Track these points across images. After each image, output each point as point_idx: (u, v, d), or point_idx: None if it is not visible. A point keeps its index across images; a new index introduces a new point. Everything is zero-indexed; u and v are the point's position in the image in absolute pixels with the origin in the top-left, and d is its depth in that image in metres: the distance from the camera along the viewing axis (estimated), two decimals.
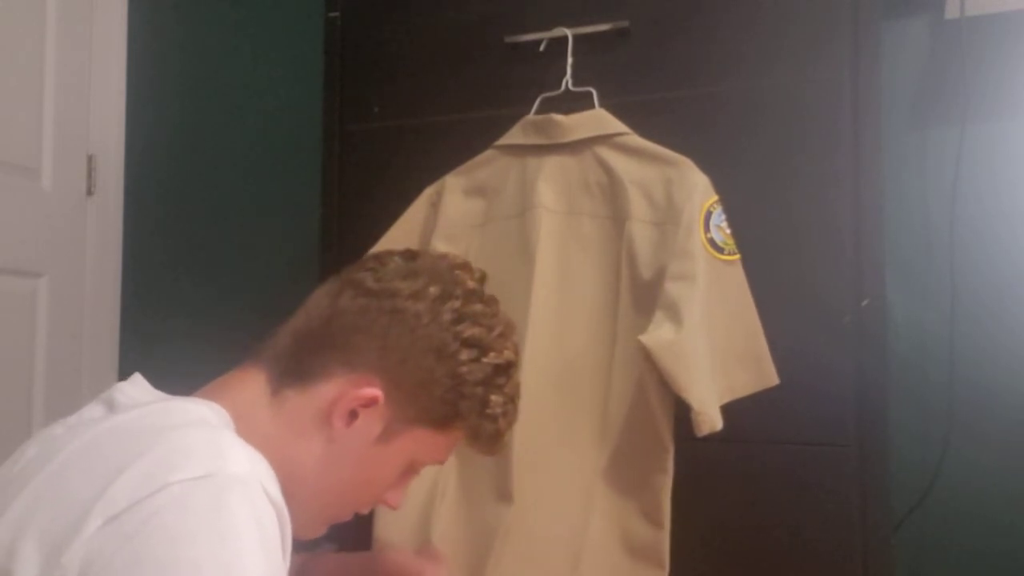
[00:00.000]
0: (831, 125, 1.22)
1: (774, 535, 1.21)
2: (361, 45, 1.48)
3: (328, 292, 0.87)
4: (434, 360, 0.84)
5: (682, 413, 1.15)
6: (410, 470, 0.89)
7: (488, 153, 1.36)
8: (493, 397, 0.87)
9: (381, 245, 1.36)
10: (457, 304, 0.85)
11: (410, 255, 0.90)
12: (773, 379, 1.20)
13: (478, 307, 0.87)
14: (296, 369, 0.83)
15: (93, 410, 0.80)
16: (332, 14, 1.49)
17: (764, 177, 1.25)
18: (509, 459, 1.23)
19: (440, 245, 1.33)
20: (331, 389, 0.82)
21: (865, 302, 1.20)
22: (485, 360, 0.86)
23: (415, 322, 0.83)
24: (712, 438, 1.14)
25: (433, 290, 0.85)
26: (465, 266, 0.91)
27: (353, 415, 0.82)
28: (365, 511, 0.92)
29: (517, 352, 0.91)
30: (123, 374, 1.87)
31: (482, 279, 0.91)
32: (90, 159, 1.65)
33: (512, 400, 0.90)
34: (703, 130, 1.28)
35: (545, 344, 1.26)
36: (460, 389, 0.85)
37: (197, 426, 0.73)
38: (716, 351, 1.18)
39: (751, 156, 1.25)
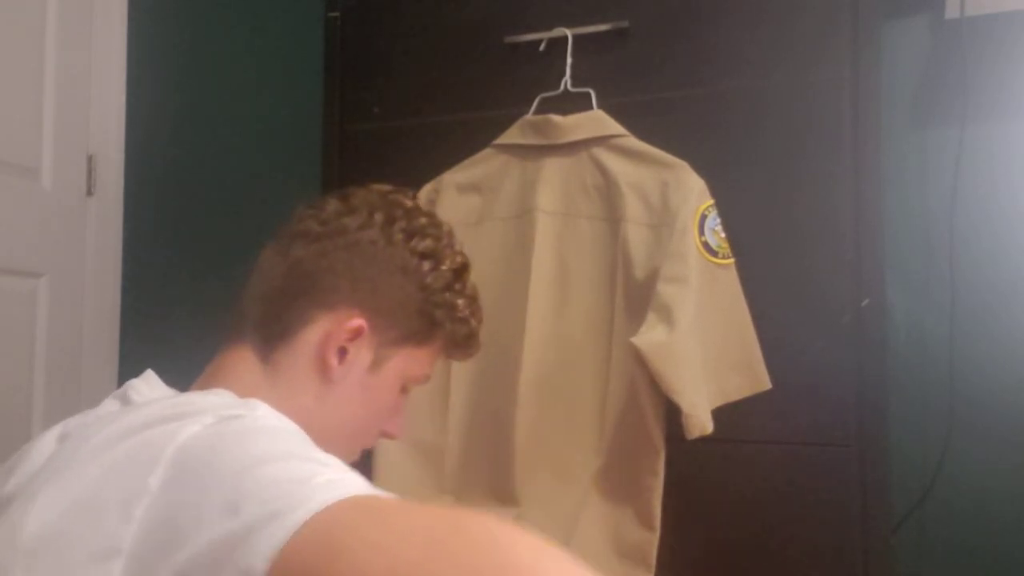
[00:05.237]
0: (832, 125, 1.22)
1: (774, 535, 1.21)
2: (361, 45, 1.48)
3: (276, 251, 0.90)
4: (402, 278, 0.88)
5: (678, 415, 1.15)
6: (403, 392, 0.93)
7: (485, 151, 1.36)
8: (459, 301, 0.92)
9: None
10: (403, 223, 0.90)
11: (342, 195, 0.93)
12: (765, 384, 1.20)
13: (423, 220, 0.91)
14: (277, 329, 0.85)
15: (109, 405, 0.79)
16: (332, 14, 1.50)
17: (764, 177, 1.25)
18: (511, 462, 1.23)
19: None
20: (316, 332, 0.84)
21: (865, 302, 1.20)
22: (443, 268, 0.90)
23: (373, 249, 0.87)
24: (712, 438, 1.14)
25: (378, 216, 0.89)
26: (396, 190, 0.95)
27: (343, 351, 0.85)
28: (371, 445, 0.95)
29: (465, 255, 0.95)
30: (123, 374, 1.87)
31: (415, 197, 0.96)
32: (90, 159, 1.64)
33: (474, 299, 0.94)
34: (703, 131, 1.28)
35: (543, 345, 1.26)
36: (431, 299, 0.89)
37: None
38: (709, 354, 1.18)
39: (751, 156, 1.26)
